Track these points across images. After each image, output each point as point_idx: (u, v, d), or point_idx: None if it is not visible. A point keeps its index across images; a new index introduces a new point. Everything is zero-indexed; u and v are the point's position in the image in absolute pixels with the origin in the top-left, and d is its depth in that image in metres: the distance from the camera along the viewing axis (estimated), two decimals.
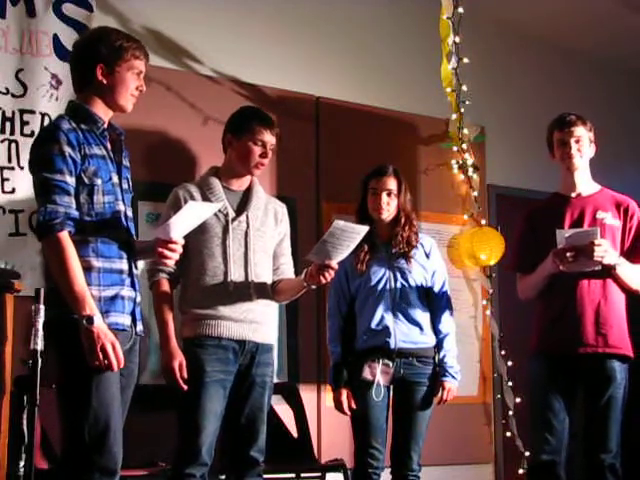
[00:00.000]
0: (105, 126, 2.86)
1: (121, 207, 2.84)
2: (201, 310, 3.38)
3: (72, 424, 2.69)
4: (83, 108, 2.84)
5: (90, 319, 2.61)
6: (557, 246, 3.57)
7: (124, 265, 2.82)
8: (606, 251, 3.56)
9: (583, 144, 3.76)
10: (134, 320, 2.85)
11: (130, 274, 2.84)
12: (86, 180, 2.75)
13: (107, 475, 2.68)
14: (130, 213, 2.91)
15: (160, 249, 2.84)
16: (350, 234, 3.28)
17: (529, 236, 3.86)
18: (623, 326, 3.72)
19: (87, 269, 2.70)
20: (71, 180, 2.71)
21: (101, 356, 2.62)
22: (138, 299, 2.89)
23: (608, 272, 3.65)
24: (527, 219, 3.92)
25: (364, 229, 3.34)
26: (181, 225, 2.87)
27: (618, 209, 3.77)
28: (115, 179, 2.84)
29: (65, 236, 2.65)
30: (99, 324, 2.64)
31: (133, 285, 2.85)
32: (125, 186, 2.90)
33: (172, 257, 2.87)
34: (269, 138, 3.51)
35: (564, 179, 3.85)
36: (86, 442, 2.65)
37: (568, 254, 3.54)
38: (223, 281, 3.39)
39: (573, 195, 3.81)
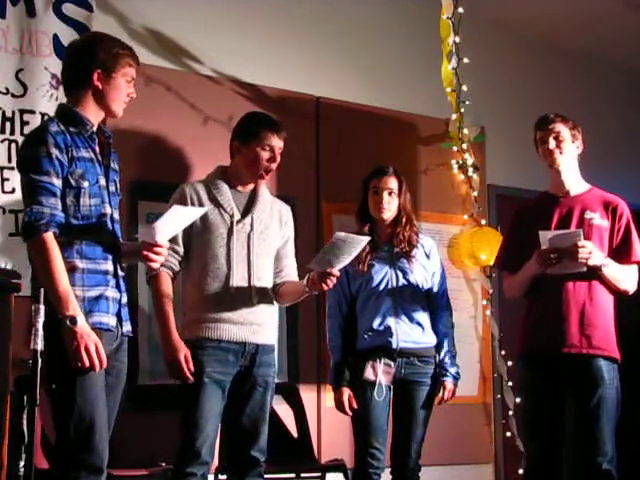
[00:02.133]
0: (94, 129, 2.88)
1: (107, 210, 2.86)
2: (201, 313, 3.37)
3: (58, 423, 2.72)
4: (72, 111, 2.86)
5: (73, 319, 2.64)
6: (541, 248, 3.56)
7: (109, 266, 2.84)
8: (590, 253, 3.53)
9: (563, 141, 3.74)
10: (120, 321, 2.87)
11: (115, 275, 2.86)
12: (73, 183, 2.77)
13: (94, 473, 2.70)
14: (117, 216, 2.94)
15: (145, 252, 2.87)
16: (351, 244, 3.28)
17: (516, 235, 3.85)
18: (609, 327, 3.67)
19: (71, 270, 2.72)
20: (57, 182, 2.73)
21: (84, 356, 2.65)
22: (124, 300, 2.91)
23: (594, 273, 3.63)
24: (515, 217, 3.92)
25: (365, 240, 3.34)
26: (166, 228, 2.90)
27: (607, 209, 3.74)
28: (102, 182, 2.87)
29: (50, 237, 2.68)
30: (82, 324, 2.66)
31: (118, 286, 2.88)
32: (112, 189, 2.93)
33: (157, 260, 2.89)
34: (277, 142, 3.49)
35: (552, 178, 3.83)
36: (72, 440, 2.68)
37: (552, 255, 3.54)
38: (225, 283, 3.38)
39: (561, 194, 3.79)
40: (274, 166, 3.51)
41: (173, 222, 2.92)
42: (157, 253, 2.86)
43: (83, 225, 2.78)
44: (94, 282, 2.78)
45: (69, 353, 2.64)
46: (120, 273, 2.90)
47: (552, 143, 3.74)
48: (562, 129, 3.75)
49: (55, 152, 2.73)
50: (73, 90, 2.91)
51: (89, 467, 2.69)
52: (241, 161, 3.51)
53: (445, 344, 3.83)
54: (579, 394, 3.61)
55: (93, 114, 2.88)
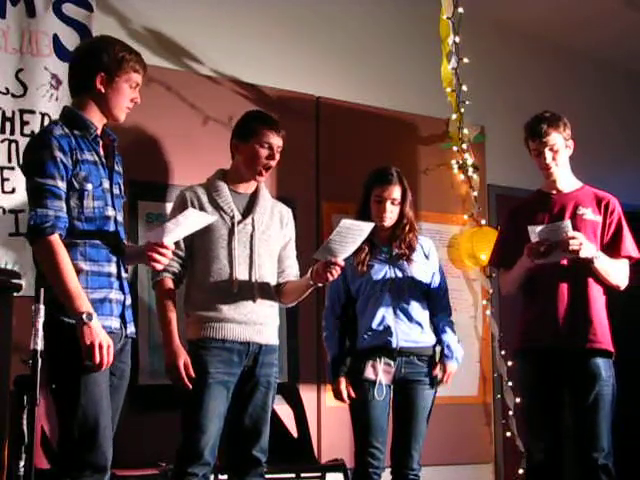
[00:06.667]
0: (98, 132, 2.89)
1: (111, 212, 2.87)
2: (205, 312, 3.38)
3: (62, 422, 2.73)
4: (76, 114, 2.88)
5: (89, 315, 2.66)
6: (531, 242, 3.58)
7: (112, 268, 2.85)
8: (581, 244, 3.56)
9: (558, 151, 3.75)
10: (124, 322, 2.88)
11: (119, 277, 2.87)
12: (77, 185, 2.79)
13: (98, 472, 2.72)
14: (121, 218, 2.95)
15: (150, 252, 2.87)
16: (356, 231, 3.30)
17: (510, 232, 3.89)
18: (603, 322, 3.71)
19: (75, 272, 2.72)
20: (62, 185, 2.75)
21: (97, 353, 2.65)
22: (128, 302, 2.91)
23: (586, 266, 3.64)
24: (509, 216, 3.97)
25: (370, 225, 3.36)
26: (175, 231, 2.89)
27: (599, 205, 3.79)
28: (106, 184, 2.87)
29: (56, 239, 2.70)
30: (96, 321, 2.68)
31: (122, 288, 2.88)
32: (116, 191, 2.94)
33: (161, 261, 2.88)
34: (276, 140, 3.51)
35: (545, 177, 3.87)
36: (76, 440, 2.69)
37: (541, 248, 3.55)
38: (227, 283, 3.39)
39: (554, 192, 3.84)
40: (273, 164, 3.52)
41: (184, 225, 2.91)
42: (161, 254, 2.86)
43: (86, 227, 2.79)
44: (98, 284, 2.79)
45: (83, 349, 2.65)
46: (124, 275, 2.91)
47: (549, 157, 3.75)
48: (556, 139, 3.75)
49: (59, 155, 2.74)
50: (77, 93, 2.93)
51: (93, 466, 2.70)
52: (240, 159, 3.53)
53: (447, 336, 3.82)
54: (576, 391, 3.66)
55: (97, 117, 2.89)
